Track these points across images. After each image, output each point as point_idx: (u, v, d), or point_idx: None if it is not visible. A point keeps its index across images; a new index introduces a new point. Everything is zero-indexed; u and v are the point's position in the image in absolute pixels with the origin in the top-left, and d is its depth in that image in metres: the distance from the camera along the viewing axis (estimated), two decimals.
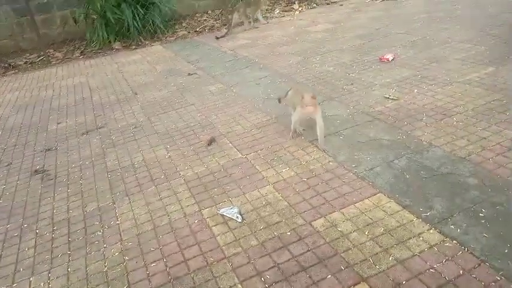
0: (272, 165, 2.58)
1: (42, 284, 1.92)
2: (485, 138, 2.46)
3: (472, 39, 4.26)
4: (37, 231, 2.32)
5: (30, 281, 1.95)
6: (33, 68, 6.83)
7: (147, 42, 7.21)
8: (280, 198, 2.24)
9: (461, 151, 2.38)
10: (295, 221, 2.03)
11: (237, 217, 2.12)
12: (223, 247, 1.94)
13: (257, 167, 2.59)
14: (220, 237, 2.01)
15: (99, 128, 3.65)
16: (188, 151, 2.95)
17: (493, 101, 2.89)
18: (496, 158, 2.26)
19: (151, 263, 1.93)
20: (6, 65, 7.11)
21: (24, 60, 7.26)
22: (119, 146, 3.23)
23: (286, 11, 7.88)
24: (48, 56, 7.11)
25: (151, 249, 2.02)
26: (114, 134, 3.48)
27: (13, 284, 1.95)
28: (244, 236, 1.99)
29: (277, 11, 7.94)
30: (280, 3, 8.43)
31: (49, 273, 1.98)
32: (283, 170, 2.50)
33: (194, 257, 1.92)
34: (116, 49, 7.10)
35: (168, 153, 2.98)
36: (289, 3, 8.31)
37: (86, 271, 1.95)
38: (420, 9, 6.06)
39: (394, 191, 2.13)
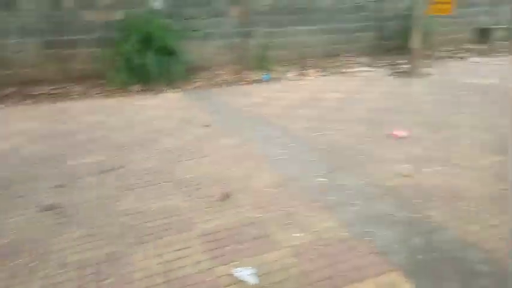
0: (286, 228, 2.64)
1: None
2: (495, 226, 2.55)
3: (480, 125, 4.48)
4: None
5: None
6: (52, 98, 7.02)
7: (165, 89, 7.49)
8: (295, 264, 2.28)
9: (472, 236, 2.46)
10: None
11: (250, 279, 2.15)
12: None
13: (271, 228, 2.65)
14: None
15: (117, 168, 3.74)
16: (202, 203, 3.02)
17: (502, 190, 3.01)
18: (506, 247, 2.33)
19: None
20: (26, 94, 7.32)
21: (45, 91, 7.48)
22: (137, 189, 3.30)
23: (300, 75, 8.25)
24: (68, 89, 7.32)
25: None
26: (131, 177, 3.56)
27: None
28: None
29: (292, 75, 8.32)
30: (295, 67, 8.84)
31: None
32: (297, 235, 2.55)
33: None
34: (135, 92, 7.36)
35: (183, 203, 3.05)
36: (303, 68, 8.73)
37: None
38: (427, 90, 6.38)
39: (408, 271, 2.18)
